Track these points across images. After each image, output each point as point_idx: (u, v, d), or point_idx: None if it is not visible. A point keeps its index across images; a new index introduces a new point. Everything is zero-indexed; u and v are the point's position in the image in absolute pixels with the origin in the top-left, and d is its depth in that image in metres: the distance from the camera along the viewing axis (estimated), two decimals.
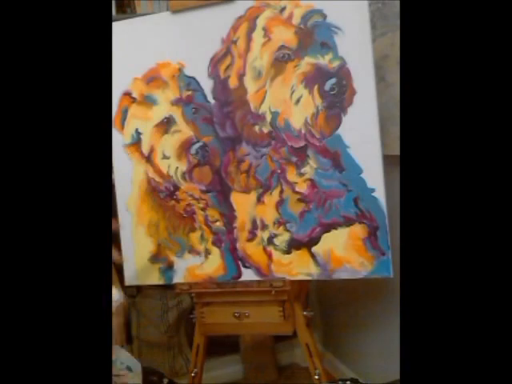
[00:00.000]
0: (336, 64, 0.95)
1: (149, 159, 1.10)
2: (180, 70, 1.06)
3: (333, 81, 0.96)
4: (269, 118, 1.00)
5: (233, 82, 1.02)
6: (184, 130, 1.07)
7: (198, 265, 1.08)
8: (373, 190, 0.95)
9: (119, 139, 1.10)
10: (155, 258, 1.11)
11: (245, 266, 1.05)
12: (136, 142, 1.10)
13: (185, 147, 1.07)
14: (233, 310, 1.12)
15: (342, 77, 0.95)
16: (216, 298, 1.13)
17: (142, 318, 1.55)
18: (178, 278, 1.10)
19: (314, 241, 0.99)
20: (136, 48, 1.09)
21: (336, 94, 0.96)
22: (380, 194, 0.94)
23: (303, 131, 0.98)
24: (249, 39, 1.01)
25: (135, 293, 1.54)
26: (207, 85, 1.04)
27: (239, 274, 1.06)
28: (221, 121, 1.04)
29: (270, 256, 1.03)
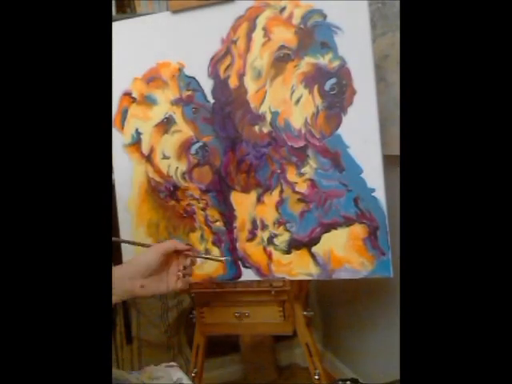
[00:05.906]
0: (336, 64, 0.95)
1: (149, 159, 1.10)
2: (180, 69, 1.06)
3: (333, 81, 0.96)
4: (269, 118, 1.00)
5: (233, 82, 1.02)
6: (184, 129, 1.07)
7: (198, 265, 1.08)
8: (373, 190, 0.95)
9: (119, 139, 1.10)
10: None
11: (245, 266, 1.05)
12: (136, 142, 1.10)
13: (185, 147, 1.07)
14: (233, 310, 1.12)
15: (342, 77, 0.95)
16: (216, 298, 1.13)
17: (142, 317, 1.55)
18: None
19: (314, 241, 0.99)
20: (136, 48, 1.09)
21: (336, 94, 0.96)
22: (380, 194, 0.94)
23: (303, 131, 0.98)
24: (249, 39, 1.01)
25: None
26: (207, 85, 1.04)
27: (239, 274, 1.06)
28: (221, 121, 1.04)
29: (269, 256, 1.03)
